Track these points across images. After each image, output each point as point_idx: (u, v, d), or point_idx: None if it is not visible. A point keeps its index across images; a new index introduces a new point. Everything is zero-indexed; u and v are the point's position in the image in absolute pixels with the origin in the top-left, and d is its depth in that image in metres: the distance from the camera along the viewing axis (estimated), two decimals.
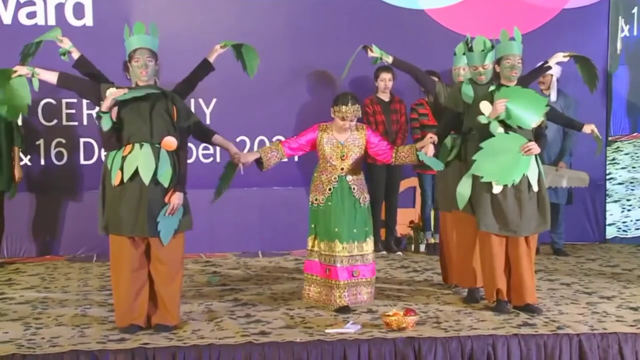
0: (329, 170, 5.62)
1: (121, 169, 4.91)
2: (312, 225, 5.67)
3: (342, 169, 5.61)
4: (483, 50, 5.64)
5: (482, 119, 5.39)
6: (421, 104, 7.84)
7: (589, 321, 5.25)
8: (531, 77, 6.55)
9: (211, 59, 5.77)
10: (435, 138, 5.63)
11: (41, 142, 7.74)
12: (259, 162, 5.64)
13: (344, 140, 5.60)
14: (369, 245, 5.64)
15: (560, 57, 6.53)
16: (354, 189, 5.62)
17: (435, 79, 7.18)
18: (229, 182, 5.59)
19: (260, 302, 5.83)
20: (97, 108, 4.98)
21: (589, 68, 6.37)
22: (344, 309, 5.49)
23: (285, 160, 5.81)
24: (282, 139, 7.99)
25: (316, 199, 5.63)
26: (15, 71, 5.27)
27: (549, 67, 6.70)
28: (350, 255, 5.55)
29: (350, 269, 5.55)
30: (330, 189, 5.58)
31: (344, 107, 5.51)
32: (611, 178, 8.66)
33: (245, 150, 7.80)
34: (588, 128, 6.08)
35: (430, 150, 5.57)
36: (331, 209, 5.56)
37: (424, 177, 7.92)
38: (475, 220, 5.52)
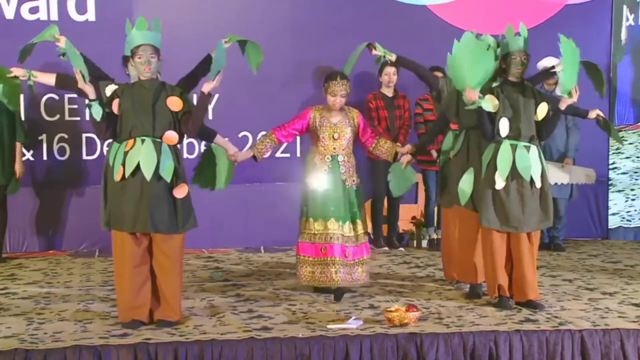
0: (321, 151, 5.77)
1: (123, 164, 4.91)
2: (305, 208, 5.78)
3: (334, 148, 5.76)
4: (489, 49, 5.63)
5: (470, 106, 5.40)
6: (426, 99, 7.85)
7: (591, 317, 5.25)
8: (538, 79, 6.54)
9: (215, 54, 5.74)
10: (413, 149, 5.89)
11: (44, 137, 7.75)
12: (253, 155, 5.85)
13: (337, 121, 5.77)
14: (358, 226, 5.75)
15: None
16: (342, 170, 5.75)
17: (440, 74, 7.17)
18: (231, 176, 5.64)
19: (263, 297, 5.83)
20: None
21: (596, 74, 6.30)
22: (340, 292, 5.63)
23: (277, 145, 5.97)
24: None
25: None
26: (11, 71, 5.27)
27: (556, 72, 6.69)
28: (342, 235, 5.68)
29: (343, 248, 5.67)
30: (325, 170, 5.73)
31: (332, 82, 5.71)
32: (615, 168, 8.67)
33: (247, 146, 7.82)
34: (593, 113, 6.22)
35: (406, 160, 5.84)
36: (326, 189, 5.71)
37: (427, 173, 7.93)
38: (477, 215, 5.53)
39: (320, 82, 8.01)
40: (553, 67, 6.61)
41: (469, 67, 5.33)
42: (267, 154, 5.88)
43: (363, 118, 5.94)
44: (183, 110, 5.01)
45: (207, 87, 5.03)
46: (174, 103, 4.99)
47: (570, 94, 5.43)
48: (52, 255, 7.61)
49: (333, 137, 5.75)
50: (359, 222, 5.78)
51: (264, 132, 7.88)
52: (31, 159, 7.71)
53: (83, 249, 7.78)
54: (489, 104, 5.37)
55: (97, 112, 4.89)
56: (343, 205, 5.72)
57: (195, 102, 5.18)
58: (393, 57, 6.51)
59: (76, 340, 4.66)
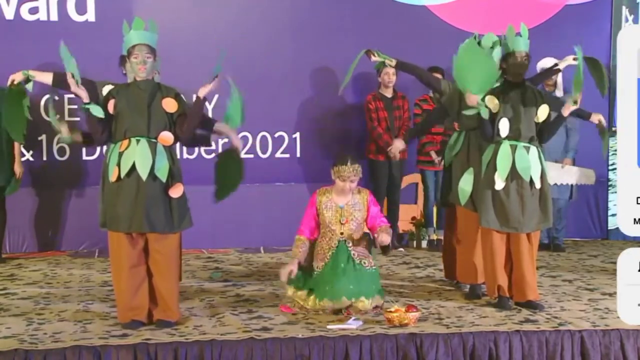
0: (329, 235, 5.40)
1: (118, 165, 4.91)
2: (309, 288, 5.36)
3: (341, 233, 5.37)
4: (492, 48, 5.63)
5: (468, 112, 5.39)
6: (425, 100, 7.85)
7: (590, 318, 5.24)
8: (540, 79, 6.53)
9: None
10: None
11: (43, 137, 7.74)
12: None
13: (344, 203, 5.39)
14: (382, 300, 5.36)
15: (570, 60, 6.46)
16: (354, 254, 5.37)
17: (439, 75, 7.18)
18: (238, 181, 5.59)
19: (262, 298, 5.83)
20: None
21: (598, 71, 6.24)
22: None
23: (312, 242, 5.45)
24: (285, 136, 8.07)
25: (317, 267, 5.40)
26: (13, 80, 5.28)
27: (559, 70, 6.68)
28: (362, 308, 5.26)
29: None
30: (330, 254, 5.36)
31: (342, 166, 5.28)
32: (615, 169, 8.64)
33: (248, 146, 7.84)
34: (595, 118, 6.23)
35: (385, 239, 5.34)
36: (329, 269, 5.34)
37: (426, 173, 7.94)
38: (477, 216, 5.53)
39: (319, 82, 8.09)
40: (556, 64, 6.60)
41: (471, 73, 5.33)
42: (306, 250, 5.39)
43: (374, 200, 5.48)
44: (178, 112, 5.02)
45: (202, 91, 5.01)
46: (169, 104, 5.00)
47: (575, 102, 5.43)
48: (52, 255, 7.61)
49: (340, 221, 5.36)
50: (379, 297, 5.34)
51: (264, 133, 7.98)
52: (31, 159, 7.71)
53: (83, 249, 7.78)
54: (489, 105, 5.37)
55: (96, 111, 4.90)
56: (355, 283, 5.25)
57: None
58: (393, 63, 6.46)
59: (76, 341, 4.65)
